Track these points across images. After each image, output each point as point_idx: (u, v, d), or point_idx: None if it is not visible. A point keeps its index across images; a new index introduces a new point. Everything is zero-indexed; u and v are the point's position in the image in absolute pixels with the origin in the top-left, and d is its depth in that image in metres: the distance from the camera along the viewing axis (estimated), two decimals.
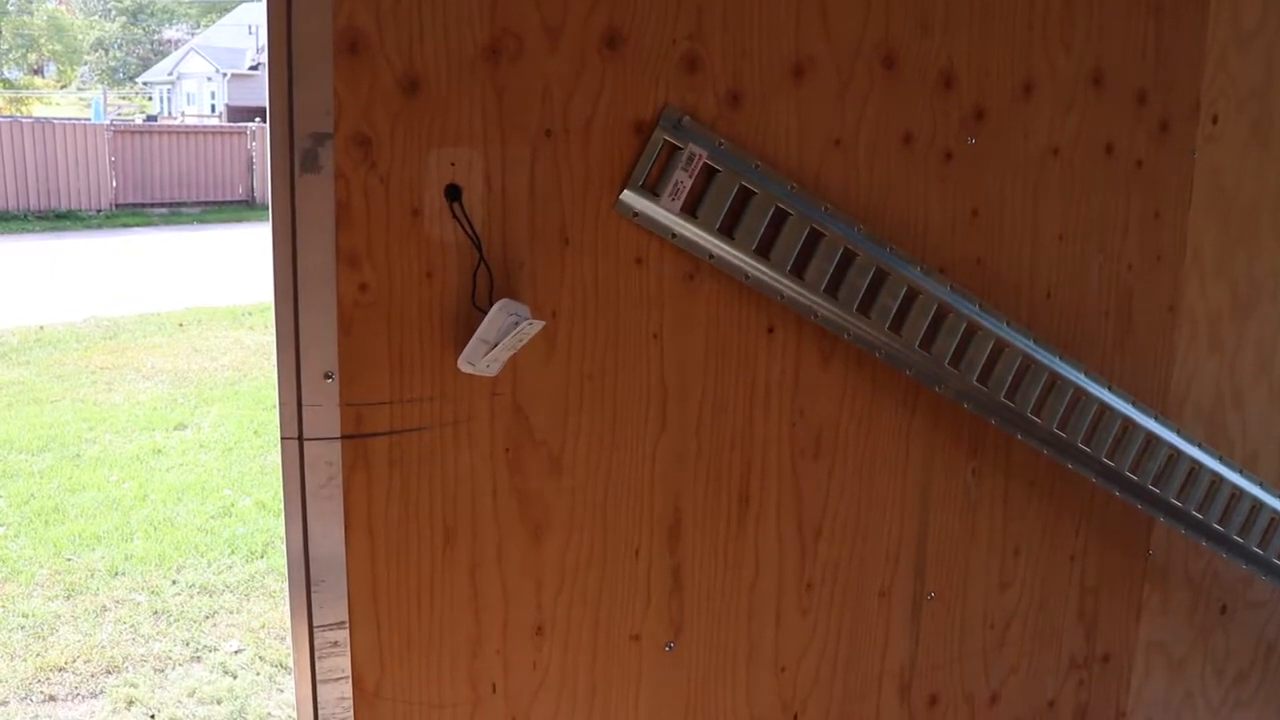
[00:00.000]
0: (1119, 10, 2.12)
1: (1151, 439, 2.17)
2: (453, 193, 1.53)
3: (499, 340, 1.49)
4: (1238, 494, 2.31)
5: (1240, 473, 2.32)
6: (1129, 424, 2.14)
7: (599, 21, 1.60)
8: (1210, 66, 2.30)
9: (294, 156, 1.43)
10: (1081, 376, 2.07)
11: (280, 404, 1.47)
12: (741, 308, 1.78)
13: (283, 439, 1.48)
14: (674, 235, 1.69)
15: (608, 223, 1.65)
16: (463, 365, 1.51)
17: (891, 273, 1.86)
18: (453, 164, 1.53)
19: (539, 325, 1.52)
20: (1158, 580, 2.46)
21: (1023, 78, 2.03)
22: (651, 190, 1.67)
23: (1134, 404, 2.15)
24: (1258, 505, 2.34)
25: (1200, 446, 2.25)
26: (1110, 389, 2.12)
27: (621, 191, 1.65)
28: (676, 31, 1.66)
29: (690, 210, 1.70)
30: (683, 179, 1.67)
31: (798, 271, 1.79)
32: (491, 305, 1.51)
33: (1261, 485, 2.36)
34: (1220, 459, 2.28)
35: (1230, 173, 2.38)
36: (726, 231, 1.72)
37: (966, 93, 1.96)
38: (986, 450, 2.11)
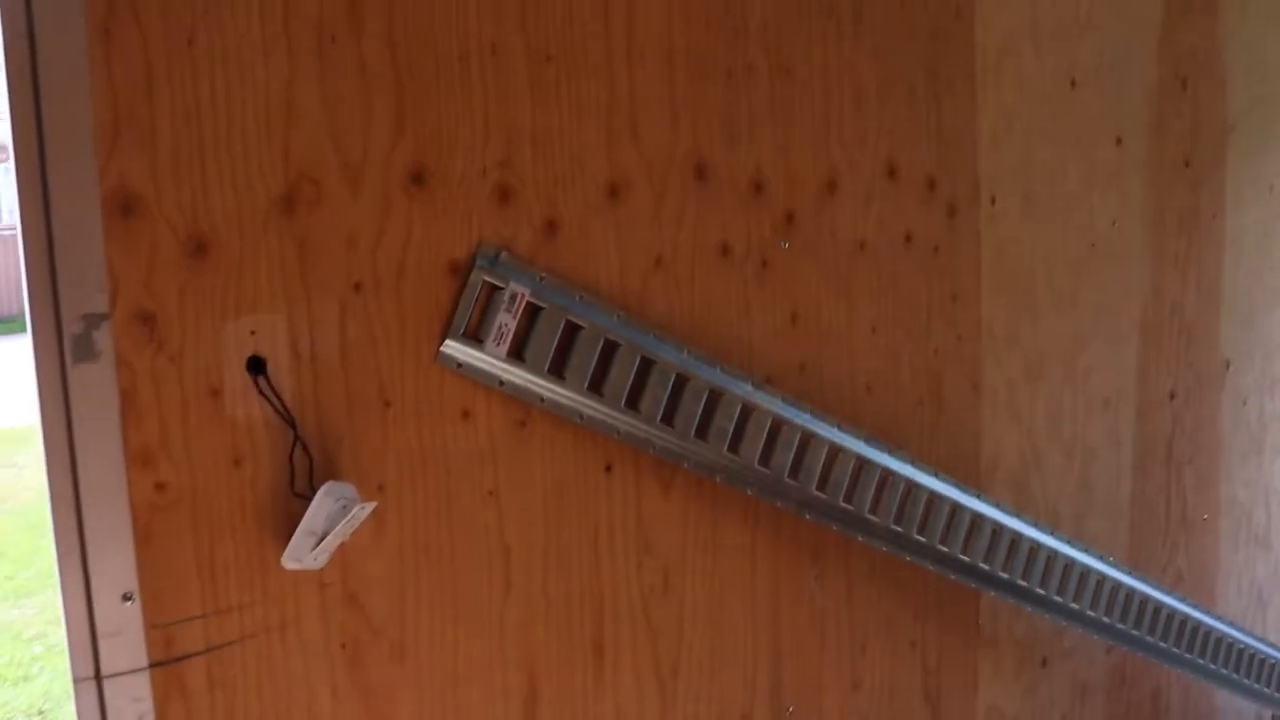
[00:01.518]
0: (903, 102, 2.18)
1: (977, 519, 2.21)
2: (256, 365, 1.34)
3: (327, 530, 1.31)
4: (1052, 556, 2.39)
5: (1052, 534, 2.41)
6: (956, 508, 2.17)
7: (403, 157, 1.46)
8: (984, 149, 2.41)
9: (63, 345, 1.21)
10: (909, 468, 2.09)
11: (69, 639, 1.23)
12: (578, 449, 1.67)
13: (75, 681, 1.24)
14: (502, 383, 1.56)
15: (430, 377, 1.50)
16: (287, 563, 1.31)
17: (725, 393, 1.80)
18: (253, 332, 1.34)
19: (370, 507, 1.35)
20: (988, 649, 2.51)
21: (825, 176, 2.03)
22: (474, 337, 1.53)
23: (959, 487, 2.19)
24: (1069, 564, 2.44)
25: (1020, 518, 2.31)
26: (937, 476, 2.15)
27: (442, 342, 1.50)
28: (486, 160, 1.54)
29: (516, 354, 1.57)
30: (506, 321, 1.55)
31: (632, 404, 1.69)
32: (314, 490, 1.33)
33: (1069, 542, 2.46)
34: (1037, 526, 2.36)
35: (1011, 248, 2.50)
36: (556, 372, 1.61)
37: (776, 197, 1.94)
38: (827, 553, 2.08)
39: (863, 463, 2.00)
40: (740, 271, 1.89)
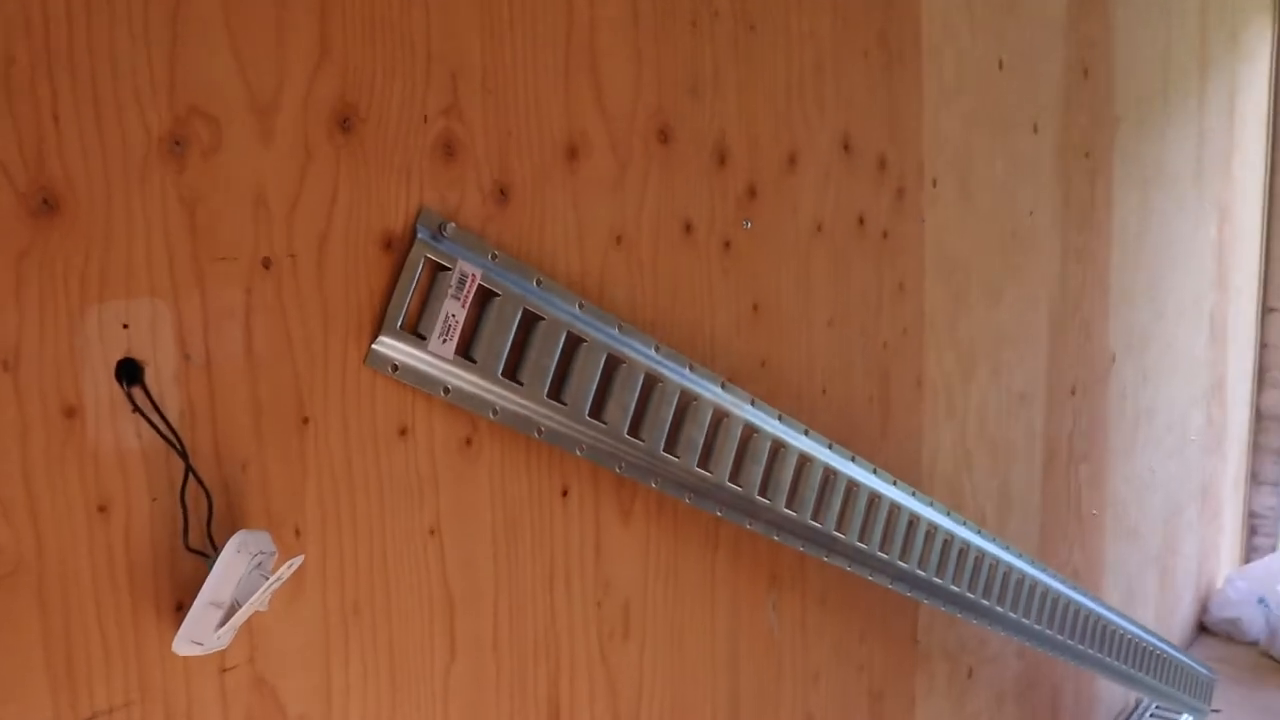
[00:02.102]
0: (859, 71, 1.95)
1: (932, 530, 2.01)
2: (130, 372, 0.96)
3: (238, 599, 0.95)
4: (994, 563, 2.23)
5: (994, 541, 2.25)
6: (914, 519, 1.97)
7: (327, 93, 1.10)
8: (926, 128, 2.21)
9: None
10: (874, 479, 1.86)
11: None
12: (532, 471, 1.35)
13: None
14: (447, 390, 1.22)
15: (359, 384, 1.15)
16: (183, 648, 0.94)
17: (698, 398, 1.51)
18: (126, 326, 0.96)
19: (297, 563, 0.99)
20: (924, 664, 2.34)
21: (788, 148, 1.78)
22: (414, 332, 1.19)
23: (917, 497, 1.98)
24: (1007, 570, 2.29)
25: (967, 525, 2.14)
26: (896, 485, 1.94)
27: (375, 338, 1.15)
28: (428, 104, 1.20)
29: (464, 352, 1.24)
30: (453, 310, 1.21)
31: (596, 413, 1.38)
32: (214, 543, 0.96)
33: (1005, 548, 2.31)
34: (980, 533, 2.19)
35: (949, 235, 2.32)
36: (511, 375, 1.28)
37: (740, 168, 1.67)
38: (784, 576, 1.83)
39: (830, 474, 1.76)
40: (704, 253, 1.61)
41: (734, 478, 1.58)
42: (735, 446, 1.57)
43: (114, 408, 0.95)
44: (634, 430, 1.42)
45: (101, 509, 0.94)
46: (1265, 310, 5.38)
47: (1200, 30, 3.97)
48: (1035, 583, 2.39)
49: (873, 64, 1.99)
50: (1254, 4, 4.54)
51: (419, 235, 1.18)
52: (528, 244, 1.32)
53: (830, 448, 1.77)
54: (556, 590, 1.39)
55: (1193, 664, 3.45)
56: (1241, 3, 4.38)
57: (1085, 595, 2.64)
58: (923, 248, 2.21)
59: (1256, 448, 5.38)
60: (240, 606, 0.94)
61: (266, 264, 1.06)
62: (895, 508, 1.91)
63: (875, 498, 1.86)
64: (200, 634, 0.94)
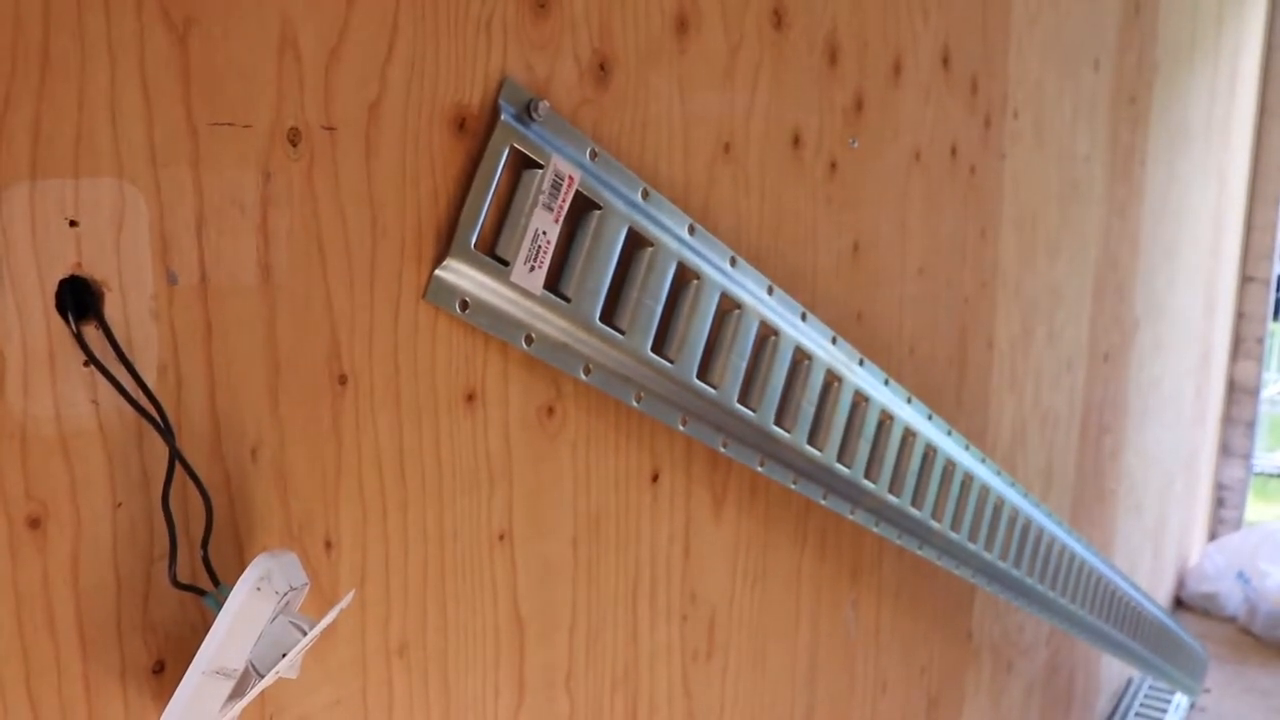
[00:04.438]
0: None
1: (1014, 516, 1.73)
2: (80, 300, 0.59)
3: (256, 662, 0.59)
4: (1061, 549, 1.96)
5: (1059, 524, 1.98)
6: (1000, 503, 1.67)
7: None
8: (1012, 52, 1.89)
9: None
10: (966, 455, 1.56)
11: None
12: (620, 450, 1.00)
13: None
14: (531, 340, 0.86)
15: (417, 326, 0.79)
16: None
17: (811, 358, 1.18)
18: (73, 223, 0.59)
19: (347, 602, 0.64)
20: (973, 662, 2.07)
21: (893, 54, 1.44)
22: (492, 254, 0.83)
23: (1002, 476, 1.69)
24: (1069, 555, 2.02)
25: (1040, 508, 1.86)
26: (985, 462, 1.64)
27: (441, 261, 0.79)
28: None
29: (553, 287, 0.88)
30: (545, 226, 0.85)
31: (703, 374, 1.04)
32: (214, 573, 0.61)
33: (1068, 531, 2.04)
34: (1050, 516, 1.91)
35: (1024, 178, 2.02)
36: (608, 320, 0.93)
37: (849, 73, 1.33)
38: (863, 572, 1.53)
39: (930, 452, 1.45)
40: (810, 174, 1.27)
41: (841, 457, 1.25)
42: (845, 419, 1.24)
43: (53, 357, 0.58)
44: (744, 397, 1.09)
45: (32, 523, 0.57)
46: (1244, 279, 5.24)
47: None
48: (1093, 571, 2.14)
49: None
50: None
51: (502, 115, 0.82)
52: (629, 142, 0.97)
53: (930, 419, 1.46)
54: (640, 606, 1.06)
55: (1191, 642, 3.28)
56: None
57: (1122, 577, 2.40)
58: (1002, 189, 1.90)
59: (1228, 419, 5.27)
60: (261, 675, 0.59)
61: (294, 138, 0.69)
62: (985, 490, 1.61)
63: (969, 479, 1.56)
64: (199, 717, 0.58)
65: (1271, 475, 6.62)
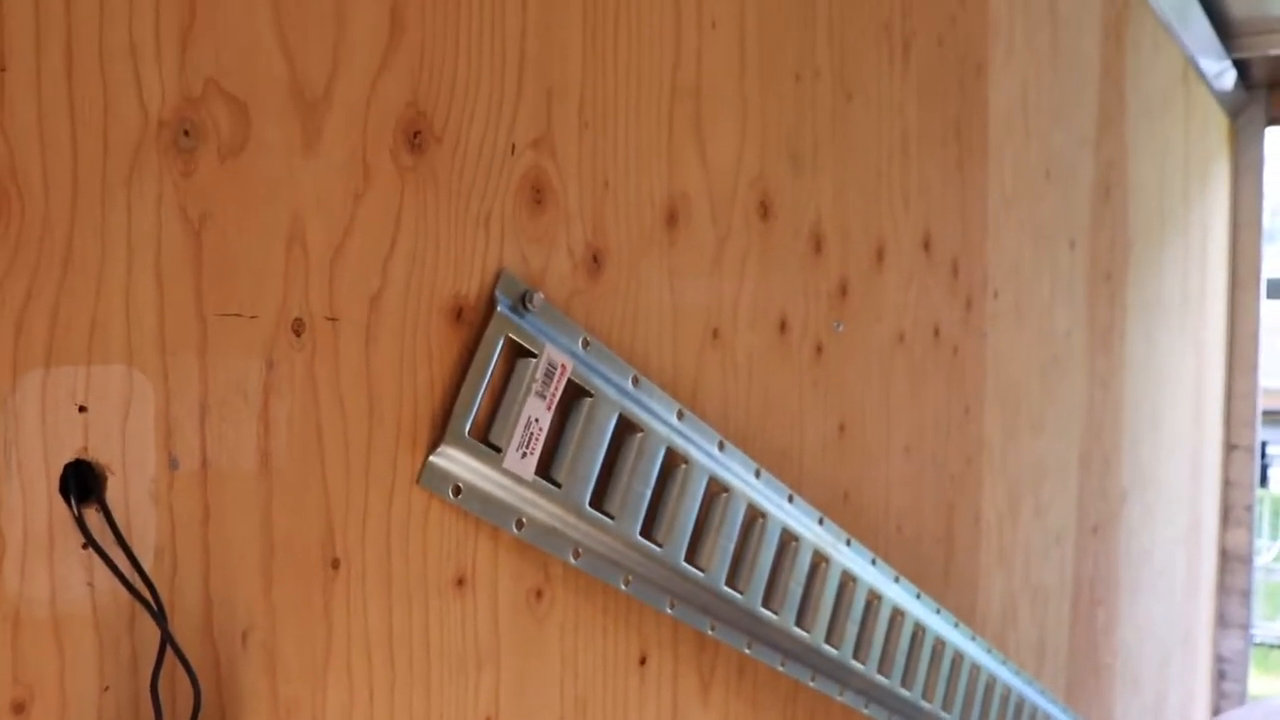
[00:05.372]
0: (937, 161, 1.70)
1: (1007, 695, 1.70)
2: (84, 483, 0.61)
3: None
4: None
5: (1056, 704, 1.94)
6: (991, 682, 1.65)
7: (395, 91, 0.78)
8: (990, 235, 1.98)
9: None
10: (954, 632, 1.55)
11: None
12: (608, 633, 1.00)
13: None
14: (521, 524, 0.88)
15: (409, 511, 0.80)
16: None
17: (798, 540, 1.19)
18: (83, 408, 0.61)
19: None
20: None
21: (876, 240, 1.51)
22: (485, 440, 0.85)
23: (993, 654, 1.67)
24: None
25: (1043, 693, 1.83)
26: (975, 640, 1.62)
27: (435, 447, 0.81)
28: (517, 130, 0.89)
29: (544, 472, 0.90)
30: (537, 413, 0.88)
31: (691, 557, 1.05)
32: None
33: (1065, 711, 2.00)
34: (1044, 695, 1.88)
35: (1005, 355, 2.07)
36: (598, 504, 0.95)
37: (833, 259, 1.39)
38: None
39: (919, 631, 1.44)
40: (796, 358, 1.31)
41: (829, 638, 1.25)
42: (833, 599, 1.24)
43: (53, 539, 0.59)
44: (731, 580, 1.09)
45: (16, 708, 0.57)
46: (1229, 447, 5.28)
47: (1184, 164, 3.90)
48: None
49: (949, 156, 1.75)
50: (1215, 146, 4.53)
51: (498, 306, 0.85)
52: (621, 330, 1.01)
53: (919, 598, 1.46)
54: None
55: None
56: (1208, 143, 4.36)
57: None
58: (984, 367, 1.95)
59: (1223, 589, 5.21)
60: None
61: (298, 328, 0.72)
62: (976, 669, 1.59)
63: (959, 658, 1.54)
64: None
65: (1273, 646, 6.50)
